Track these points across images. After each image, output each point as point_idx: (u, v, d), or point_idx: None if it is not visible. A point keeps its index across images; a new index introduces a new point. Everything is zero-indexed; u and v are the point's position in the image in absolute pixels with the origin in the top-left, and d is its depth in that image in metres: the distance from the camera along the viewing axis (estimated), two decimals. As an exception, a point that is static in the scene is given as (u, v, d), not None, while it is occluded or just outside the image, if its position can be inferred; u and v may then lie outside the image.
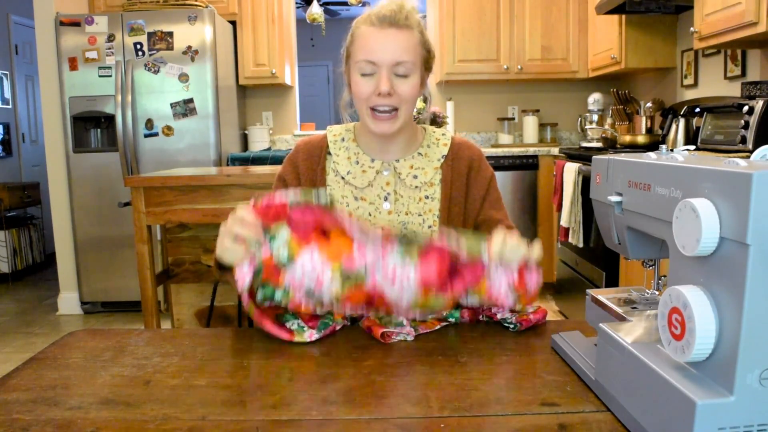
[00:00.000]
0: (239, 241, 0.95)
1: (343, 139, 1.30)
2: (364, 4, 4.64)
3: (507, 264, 0.93)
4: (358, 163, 1.27)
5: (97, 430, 0.70)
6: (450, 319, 1.10)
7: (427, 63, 1.25)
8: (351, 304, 0.96)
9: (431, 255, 0.93)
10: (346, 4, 5.54)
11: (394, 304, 0.94)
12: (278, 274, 0.94)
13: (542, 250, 0.96)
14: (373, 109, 1.19)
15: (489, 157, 3.90)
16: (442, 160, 1.29)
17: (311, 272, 0.93)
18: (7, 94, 5.54)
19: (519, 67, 4.23)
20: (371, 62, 1.18)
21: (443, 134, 1.33)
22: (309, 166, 1.28)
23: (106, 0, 4.12)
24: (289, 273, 0.93)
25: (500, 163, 3.95)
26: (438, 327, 1.06)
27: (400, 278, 0.92)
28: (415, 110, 1.29)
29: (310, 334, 0.98)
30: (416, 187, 1.25)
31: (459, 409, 0.72)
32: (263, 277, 0.94)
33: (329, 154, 1.30)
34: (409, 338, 0.99)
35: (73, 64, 3.72)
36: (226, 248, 0.96)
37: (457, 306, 1.06)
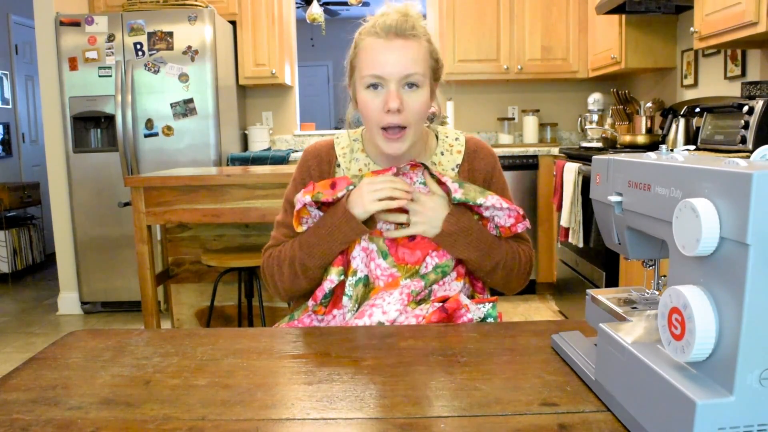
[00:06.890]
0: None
1: (352, 150, 1.26)
2: (364, 4, 4.64)
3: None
4: None
5: (97, 430, 0.70)
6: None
7: (435, 73, 1.19)
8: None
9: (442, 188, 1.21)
10: (346, 4, 5.54)
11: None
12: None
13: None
14: (384, 129, 1.14)
15: (489, 157, 3.90)
16: (457, 170, 1.25)
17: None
18: (7, 94, 5.54)
19: (519, 67, 4.23)
20: (378, 77, 1.12)
21: (456, 139, 1.28)
22: (321, 178, 1.25)
23: (106, 0, 4.12)
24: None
25: (500, 163, 3.94)
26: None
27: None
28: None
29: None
30: None
31: (459, 409, 0.72)
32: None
33: (338, 165, 1.26)
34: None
35: (73, 64, 3.72)
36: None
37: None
